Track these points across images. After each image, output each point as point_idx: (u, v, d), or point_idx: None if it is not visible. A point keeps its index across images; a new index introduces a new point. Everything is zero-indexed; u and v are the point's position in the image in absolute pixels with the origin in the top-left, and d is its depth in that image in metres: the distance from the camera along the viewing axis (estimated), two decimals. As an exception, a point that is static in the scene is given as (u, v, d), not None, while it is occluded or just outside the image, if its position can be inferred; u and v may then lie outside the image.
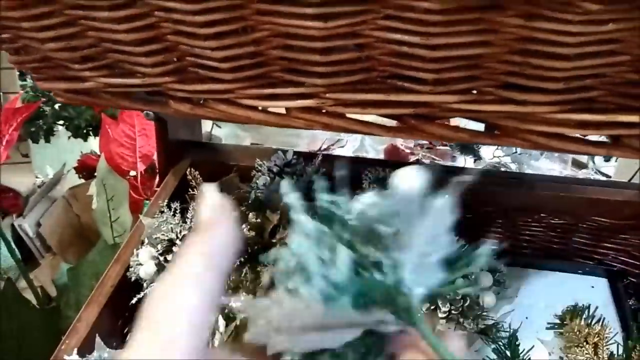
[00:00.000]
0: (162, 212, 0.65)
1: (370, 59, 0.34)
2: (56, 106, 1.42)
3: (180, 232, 0.60)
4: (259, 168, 0.72)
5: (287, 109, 0.38)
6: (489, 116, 0.36)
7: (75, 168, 1.45)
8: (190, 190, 0.72)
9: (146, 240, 0.62)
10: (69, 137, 1.50)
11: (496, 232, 0.79)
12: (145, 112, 0.69)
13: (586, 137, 0.37)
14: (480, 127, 0.39)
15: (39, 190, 1.45)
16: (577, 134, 0.37)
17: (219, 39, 0.33)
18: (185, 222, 0.63)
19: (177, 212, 0.64)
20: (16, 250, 1.01)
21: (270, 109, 0.38)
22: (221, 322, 0.51)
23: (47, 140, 1.55)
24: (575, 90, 0.34)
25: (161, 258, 0.59)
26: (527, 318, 0.70)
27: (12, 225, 1.34)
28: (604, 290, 0.75)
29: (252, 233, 0.62)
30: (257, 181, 0.71)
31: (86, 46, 0.35)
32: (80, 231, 1.42)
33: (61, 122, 1.47)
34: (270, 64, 0.36)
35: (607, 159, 1.62)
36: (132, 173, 1.07)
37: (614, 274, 0.77)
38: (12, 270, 1.09)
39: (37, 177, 1.61)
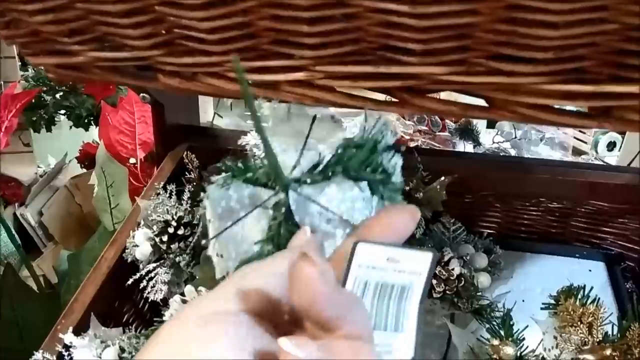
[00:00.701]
0: (158, 194, 0.65)
1: (358, 30, 0.34)
2: (57, 95, 1.43)
3: (176, 213, 0.61)
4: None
5: (277, 82, 0.38)
6: (478, 88, 0.36)
7: (77, 158, 1.45)
8: (187, 173, 0.72)
9: (142, 222, 0.63)
10: (70, 127, 1.50)
11: (494, 217, 0.79)
12: (141, 95, 0.69)
13: (577, 110, 0.37)
14: (472, 100, 0.39)
15: (41, 180, 1.46)
16: (567, 106, 0.36)
17: (206, 9, 0.33)
18: (181, 204, 0.63)
19: (173, 194, 0.65)
20: (16, 236, 1.02)
21: (260, 82, 0.38)
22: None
23: (49, 130, 1.56)
24: (565, 60, 0.34)
25: (157, 239, 0.60)
26: (523, 301, 0.70)
27: (15, 215, 1.35)
28: (601, 274, 0.75)
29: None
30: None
31: (74, 18, 0.36)
32: (82, 220, 1.42)
33: (62, 111, 1.47)
34: (259, 35, 0.36)
35: (611, 149, 1.61)
36: (132, 160, 1.07)
37: (612, 258, 0.76)
38: (13, 257, 1.09)
39: (38, 167, 1.61)
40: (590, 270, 0.75)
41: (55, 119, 1.50)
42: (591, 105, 0.36)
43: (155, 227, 0.60)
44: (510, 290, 0.69)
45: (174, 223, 0.59)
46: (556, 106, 0.36)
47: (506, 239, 0.76)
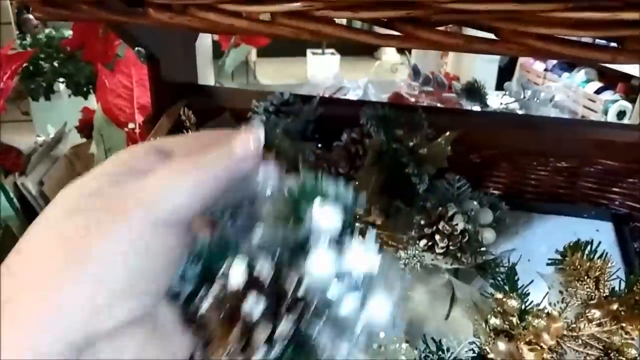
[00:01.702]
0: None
1: (358, -47, 0.32)
2: (55, 63, 1.41)
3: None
4: (255, 109, 0.71)
5: (272, 14, 0.36)
6: (485, 18, 0.34)
7: (76, 127, 1.44)
8: (184, 131, 0.70)
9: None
10: (69, 96, 1.49)
11: (500, 177, 0.77)
12: (136, 49, 0.67)
13: (589, 41, 0.35)
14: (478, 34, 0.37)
15: (41, 149, 1.45)
16: (579, 36, 0.34)
17: None
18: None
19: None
20: (15, 200, 1.01)
21: (255, 16, 0.36)
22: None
23: (47, 99, 1.54)
24: (579, -16, 0.32)
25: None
26: (529, 261, 0.69)
27: (15, 184, 1.34)
28: (608, 234, 0.73)
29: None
30: (253, 121, 0.69)
31: (57, -56, 0.33)
32: (83, 189, 1.41)
33: (61, 79, 1.46)
34: (252, -39, 0.33)
35: (621, 117, 1.58)
36: (131, 125, 1.05)
37: (620, 218, 0.75)
38: (12, 222, 1.09)
39: (38, 137, 1.60)
40: (597, 230, 0.73)
41: (54, 87, 1.49)
42: (605, 35, 0.34)
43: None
44: (516, 249, 0.68)
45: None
46: (567, 37, 0.34)
47: (512, 199, 0.75)
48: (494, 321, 0.48)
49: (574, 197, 0.77)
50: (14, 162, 1.36)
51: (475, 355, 0.44)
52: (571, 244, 0.57)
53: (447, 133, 0.61)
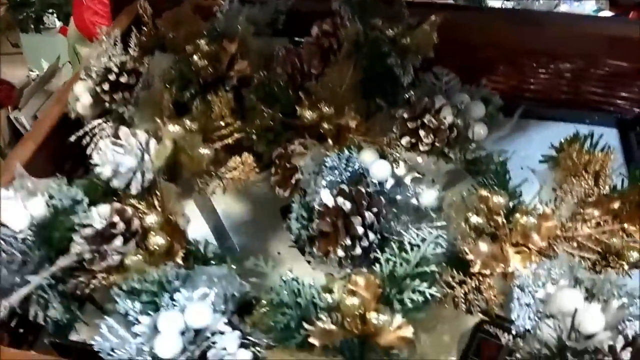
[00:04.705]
0: (101, 43, 0.56)
1: None
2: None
3: (120, 61, 0.52)
4: (218, -3, 0.62)
5: None
6: None
7: (69, 61, 1.39)
8: (142, 27, 0.63)
9: (83, 73, 0.54)
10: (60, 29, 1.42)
11: (497, 79, 0.70)
12: None
13: None
14: None
15: (34, 83, 1.40)
16: None
17: None
18: (128, 53, 0.54)
19: (118, 41, 0.56)
20: None
21: None
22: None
23: (38, 31, 1.49)
24: None
25: (97, 88, 0.51)
26: (521, 169, 0.62)
27: (9, 118, 1.31)
28: (613, 141, 0.67)
29: (205, 62, 0.53)
30: (218, 14, 0.61)
31: None
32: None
33: (50, 10, 1.39)
34: None
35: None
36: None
37: (625, 123, 0.68)
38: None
39: (31, 71, 1.56)
40: (601, 136, 0.66)
41: (44, 18, 1.43)
42: None
43: (95, 75, 0.52)
44: (509, 153, 0.62)
45: (115, 70, 0.51)
46: None
47: (510, 104, 0.67)
48: (476, 219, 0.43)
49: (577, 101, 0.70)
50: (7, 95, 1.31)
51: (445, 251, 0.39)
52: (569, 137, 0.50)
53: (433, 17, 0.53)
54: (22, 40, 1.57)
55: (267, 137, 0.52)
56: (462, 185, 0.51)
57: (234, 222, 0.58)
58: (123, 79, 0.51)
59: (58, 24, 1.51)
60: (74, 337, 0.46)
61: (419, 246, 0.39)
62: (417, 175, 0.50)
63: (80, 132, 0.53)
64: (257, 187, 0.59)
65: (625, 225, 0.44)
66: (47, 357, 0.41)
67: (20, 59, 1.62)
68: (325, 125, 0.52)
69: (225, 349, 0.35)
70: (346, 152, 0.45)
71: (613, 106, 0.70)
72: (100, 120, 0.53)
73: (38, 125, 0.55)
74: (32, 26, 1.48)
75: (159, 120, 0.45)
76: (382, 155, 0.49)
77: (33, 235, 0.42)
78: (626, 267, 0.44)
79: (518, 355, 0.37)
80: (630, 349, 0.34)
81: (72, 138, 0.53)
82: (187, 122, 0.46)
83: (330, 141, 0.53)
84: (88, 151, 0.52)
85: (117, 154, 0.42)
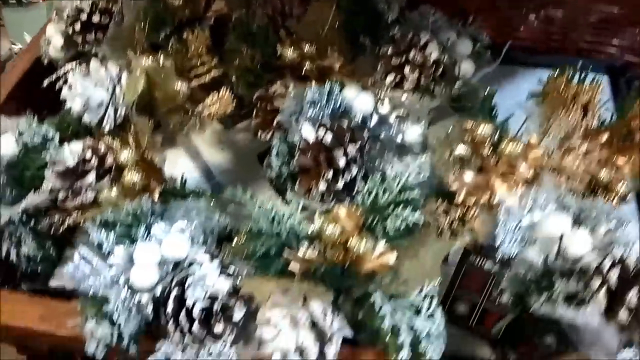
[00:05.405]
0: (74, -17, 0.53)
1: None
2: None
3: (91, 0, 0.50)
4: None
5: None
6: None
7: None
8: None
9: (55, 15, 0.52)
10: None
11: (487, 25, 0.68)
12: None
13: None
14: None
15: (16, 57, 1.36)
16: None
17: None
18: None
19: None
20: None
21: None
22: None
23: (20, 4, 1.44)
24: None
25: (69, 29, 0.49)
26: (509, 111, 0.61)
27: None
28: (603, 87, 0.65)
29: (181, 1, 0.51)
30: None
31: None
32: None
33: None
34: None
35: None
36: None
37: (616, 70, 0.66)
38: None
39: (13, 44, 1.51)
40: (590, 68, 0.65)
41: None
42: None
43: (66, 16, 0.50)
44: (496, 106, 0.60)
45: (87, 9, 0.49)
46: None
47: (497, 51, 0.66)
48: (461, 150, 0.41)
49: (566, 49, 0.69)
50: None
51: (428, 181, 0.37)
52: (557, 71, 0.49)
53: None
54: (4, 14, 1.53)
55: (247, 79, 0.50)
56: (447, 122, 0.50)
57: (215, 171, 0.57)
58: (95, 19, 0.49)
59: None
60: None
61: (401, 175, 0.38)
62: (401, 113, 0.48)
63: (53, 77, 0.51)
64: (238, 137, 0.58)
65: (614, 158, 0.43)
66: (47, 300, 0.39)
67: (2, 32, 1.58)
68: (308, 66, 0.51)
69: (203, 278, 0.34)
70: (327, 85, 0.44)
71: (603, 53, 0.69)
72: (73, 64, 0.51)
73: (10, 72, 0.53)
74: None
75: (131, 53, 0.43)
76: (366, 93, 0.47)
77: (4, 175, 0.41)
78: (615, 200, 0.43)
79: (505, 282, 0.36)
80: (618, 269, 0.34)
81: (45, 83, 0.51)
82: (161, 58, 0.44)
83: (313, 83, 0.51)
84: (62, 96, 0.50)
85: (87, 87, 0.40)
